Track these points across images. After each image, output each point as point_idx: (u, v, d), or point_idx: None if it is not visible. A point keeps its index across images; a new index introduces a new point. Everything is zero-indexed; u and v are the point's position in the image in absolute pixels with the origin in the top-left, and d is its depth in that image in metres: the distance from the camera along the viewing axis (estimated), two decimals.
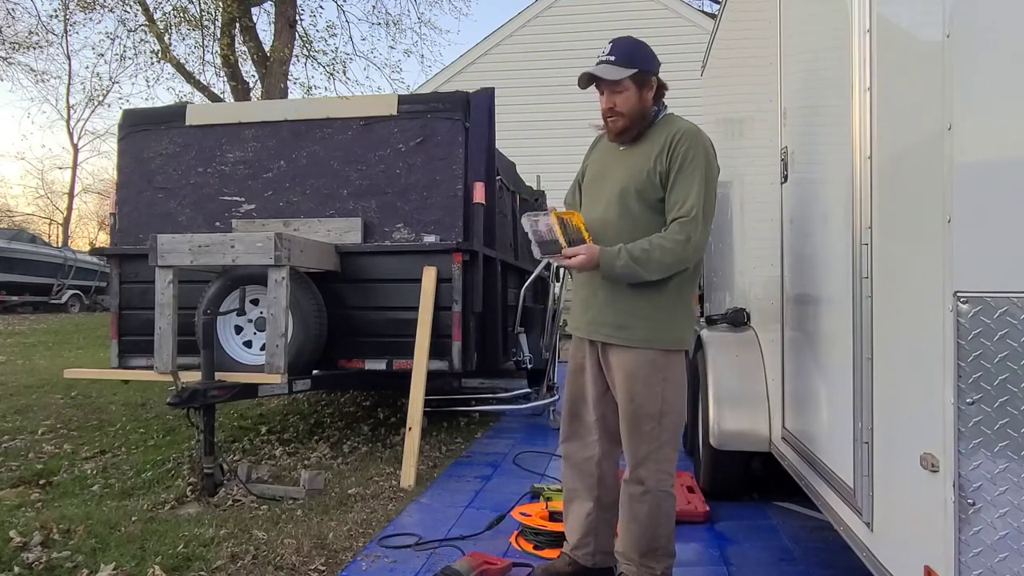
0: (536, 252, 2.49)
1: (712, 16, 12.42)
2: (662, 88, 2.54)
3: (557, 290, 6.26)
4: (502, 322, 5.26)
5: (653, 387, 2.44)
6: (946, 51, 1.55)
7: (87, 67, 41.32)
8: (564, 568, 2.69)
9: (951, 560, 1.53)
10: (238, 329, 4.47)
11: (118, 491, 3.85)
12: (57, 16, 16.64)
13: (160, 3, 14.29)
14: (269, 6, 14.41)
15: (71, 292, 17.82)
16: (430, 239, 4.66)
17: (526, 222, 2.47)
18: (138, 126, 5.21)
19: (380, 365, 4.64)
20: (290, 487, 3.81)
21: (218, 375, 3.93)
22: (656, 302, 2.45)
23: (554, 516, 3.17)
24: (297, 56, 14.94)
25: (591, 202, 2.64)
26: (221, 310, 4.29)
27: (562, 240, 2.42)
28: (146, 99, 26.22)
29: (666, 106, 2.58)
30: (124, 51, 15.04)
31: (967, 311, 1.52)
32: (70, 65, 31.72)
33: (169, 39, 14.19)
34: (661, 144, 2.44)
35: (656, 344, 2.45)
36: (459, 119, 4.76)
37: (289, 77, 13.82)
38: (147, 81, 27.09)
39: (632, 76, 2.44)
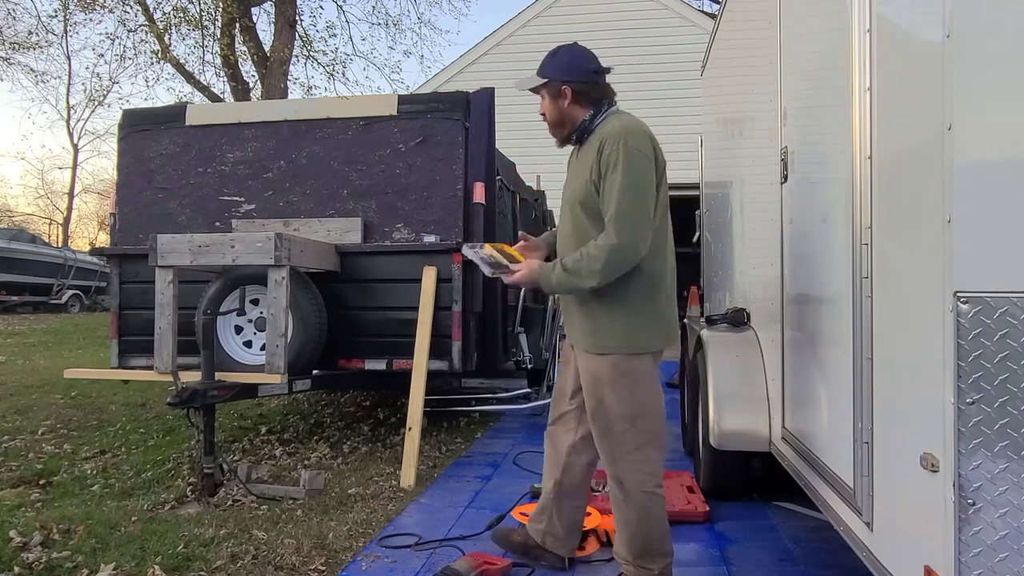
0: (487, 271, 2.70)
1: (712, 16, 12.42)
2: (582, 95, 2.53)
3: None
4: (502, 322, 5.26)
5: (620, 390, 2.46)
6: (946, 51, 1.55)
7: (87, 67, 41.48)
8: (515, 537, 2.85)
9: (951, 560, 1.53)
10: (238, 329, 4.47)
11: (118, 491, 3.85)
12: (57, 16, 16.69)
13: (160, 3, 14.32)
14: (269, 6, 14.42)
15: (71, 292, 17.83)
16: (430, 239, 4.66)
17: (467, 251, 2.67)
18: (138, 126, 5.21)
19: (380, 365, 4.64)
20: (290, 487, 3.81)
21: (218, 375, 3.93)
22: (617, 307, 2.46)
23: None
24: (297, 56, 14.97)
25: (560, 214, 2.71)
26: (221, 310, 4.30)
27: (503, 260, 2.60)
28: (146, 99, 26.34)
29: (609, 106, 2.56)
30: (124, 51, 15.12)
31: (967, 311, 1.52)
32: (70, 65, 31.83)
33: (169, 39, 14.22)
34: (594, 152, 2.45)
35: (619, 349, 2.46)
36: (459, 119, 4.75)
37: (289, 77, 13.84)
38: (147, 81, 27.21)
39: (541, 86, 2.56)
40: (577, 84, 2.53)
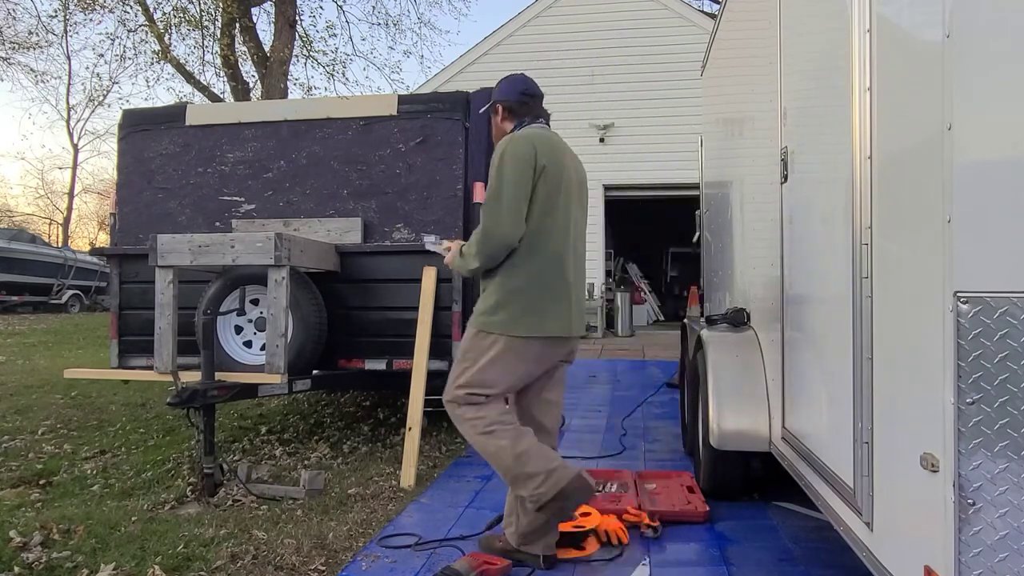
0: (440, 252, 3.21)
1: (712, 16, 12.42)
2: (508, 111, 3.04)
3: None
4: None
5: (465, 361, 2.80)
6: (946, 51, 1.55)
7: (87, 67, 41.50)
8: (495, 544, 2.93)
9: (951, 560, 1.53)
10: (238, 329, 4.47)
11: (118, 491, 3.85)
12: (57, 16, 16.67)
13: (160, 3, 14.32)
14: (269, 6, 14.43)
15: (71, 292, 17.82)
16: (430, 239, 4.66)
17: (429, 243, 3.33)
18: (138, 126, 5.21)
19: (380, 365, 4.64)
20: (290, 487, 3.81)
21: (218, 375, 3.93)
22: (486, 289, 2.85)
23: None
24: (297, 56, 14.97)
25: None
26: (221, 310, 4.29)
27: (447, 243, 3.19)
28: (146, 99, 26.34)
29: (532, 122, 2.99)
30: (124, 51, 15.12)
31: (967, 311, 1.52)
32: (70, 65, 31.85)
33: (169, 39, 14.22)
34: None
35: (476, 324, 2.82)
36: (459, 119, 4.76)
37: (289, 77, 13.84)
38: (147, 81, 27.23)
39: (490, 107, 3.14)
40: (506, 102, 3.05)
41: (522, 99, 3.05)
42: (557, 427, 3.07)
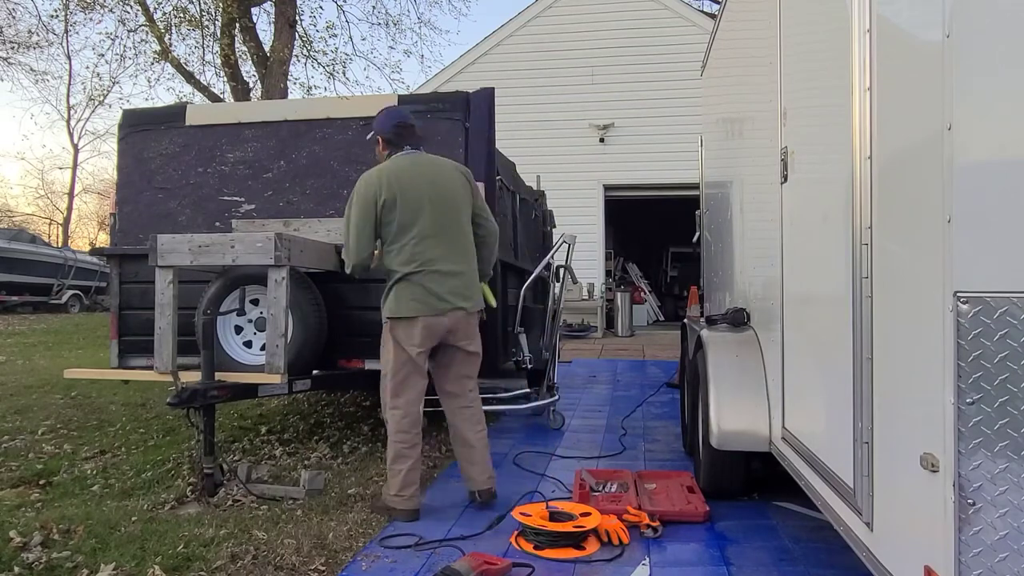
0: None
1: (712, 16, 12.42)
2: (385, 141, 3.59)
3: (557, 290, 6.25)
4: (502, 322, 5.25)
5: (383, 350, 3.60)
6: (946, 51, 1.55)
7: (87, 67, 41.42)
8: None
9: (951, 560, 1.53)
10: (238, 329, 4.47)
11: (118, 491, 3.85)
12: (57, 16, 16.63)
13: (160, 3, 14.31)
14: (269, 6, 14.42)
15: (71, 292, 17.83)
16: None
17: None
18: (138, 126, 5.20)
19: (380, 365, 4.64)
20: (290, 487, 3.81)
21: (218, 375, 3.93)
22: (387, 288, 3.55)
23: (555, 516, 3.17)
24: (297, 56, 14.97)
25: None
26: (221, 310, 4.29)
27: None
28: (146, 99, 26.22)
29: (412, 149, 3.56)
30: (124, 51, 15.10)
31: (967, 311, 1.52)
32: (70, 65, 31.86)
33: (169, 39, 14.21)
34: None
35: (386, 315, 3.51)
36: (459, 119, 4.75)
37: (289, 77, 13.83)
38: (147, 81, 27.14)
39: (372, 137, 3.67)
40: (383, 134, 3.58)
41: (396, 130, 3.53)
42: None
